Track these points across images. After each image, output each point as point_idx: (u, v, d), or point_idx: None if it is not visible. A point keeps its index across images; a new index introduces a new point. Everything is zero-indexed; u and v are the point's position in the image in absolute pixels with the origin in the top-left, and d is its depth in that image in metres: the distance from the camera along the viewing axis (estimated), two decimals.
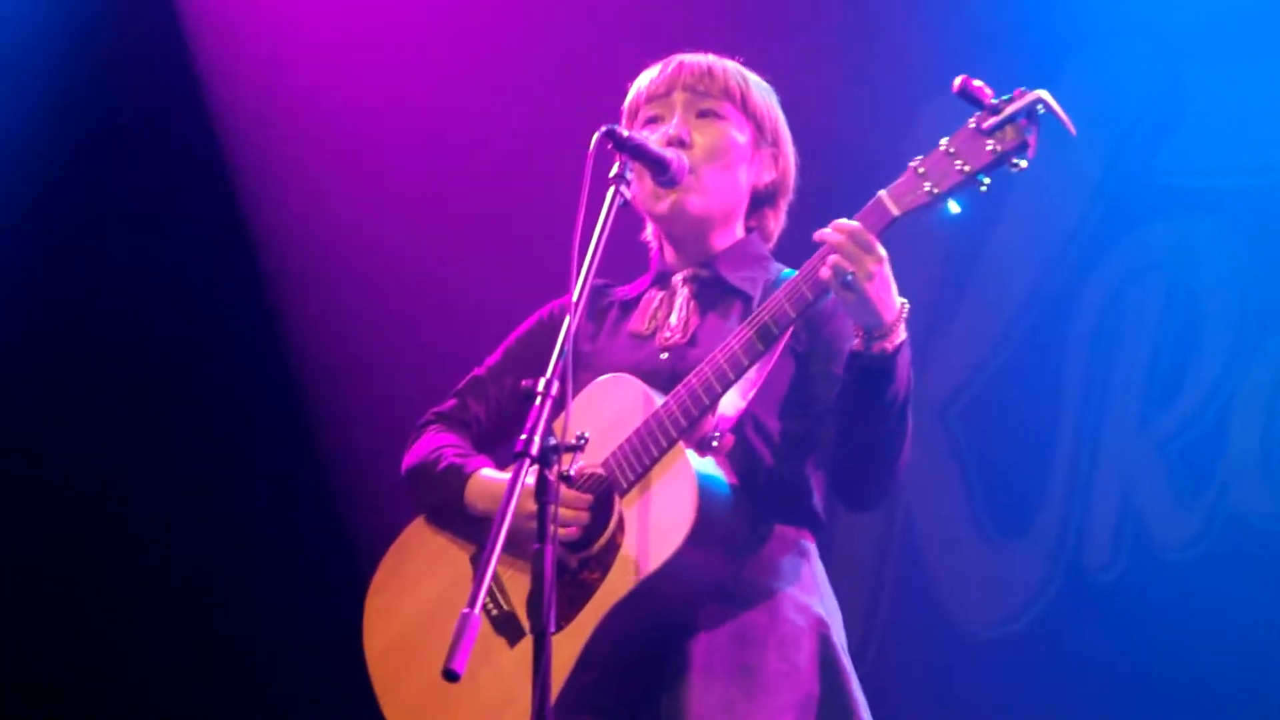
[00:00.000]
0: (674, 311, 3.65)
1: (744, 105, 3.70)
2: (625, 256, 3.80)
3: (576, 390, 3.52)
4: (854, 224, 3.22)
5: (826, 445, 3.48)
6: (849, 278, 3.19)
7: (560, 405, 3.04)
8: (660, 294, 3.72)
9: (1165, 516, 5.50)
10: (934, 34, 5.76)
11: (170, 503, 6.23)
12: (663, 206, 3.64)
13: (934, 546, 5.82)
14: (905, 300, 3.28)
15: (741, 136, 3.69)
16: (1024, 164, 3.15)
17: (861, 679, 3.51)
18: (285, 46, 6.38)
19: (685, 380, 3.38)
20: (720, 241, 3.70)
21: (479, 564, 2.88)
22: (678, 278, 3.70)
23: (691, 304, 3.65)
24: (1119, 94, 5.63)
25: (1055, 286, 5.72)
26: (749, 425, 3.49)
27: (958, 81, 3.16)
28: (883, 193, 3.24)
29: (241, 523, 6.21)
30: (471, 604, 2.81)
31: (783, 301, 3.31)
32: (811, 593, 3.49)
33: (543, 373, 3.06)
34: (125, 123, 6.22)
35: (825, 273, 3.22)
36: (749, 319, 3.35)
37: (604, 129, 3.34)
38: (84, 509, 6.18)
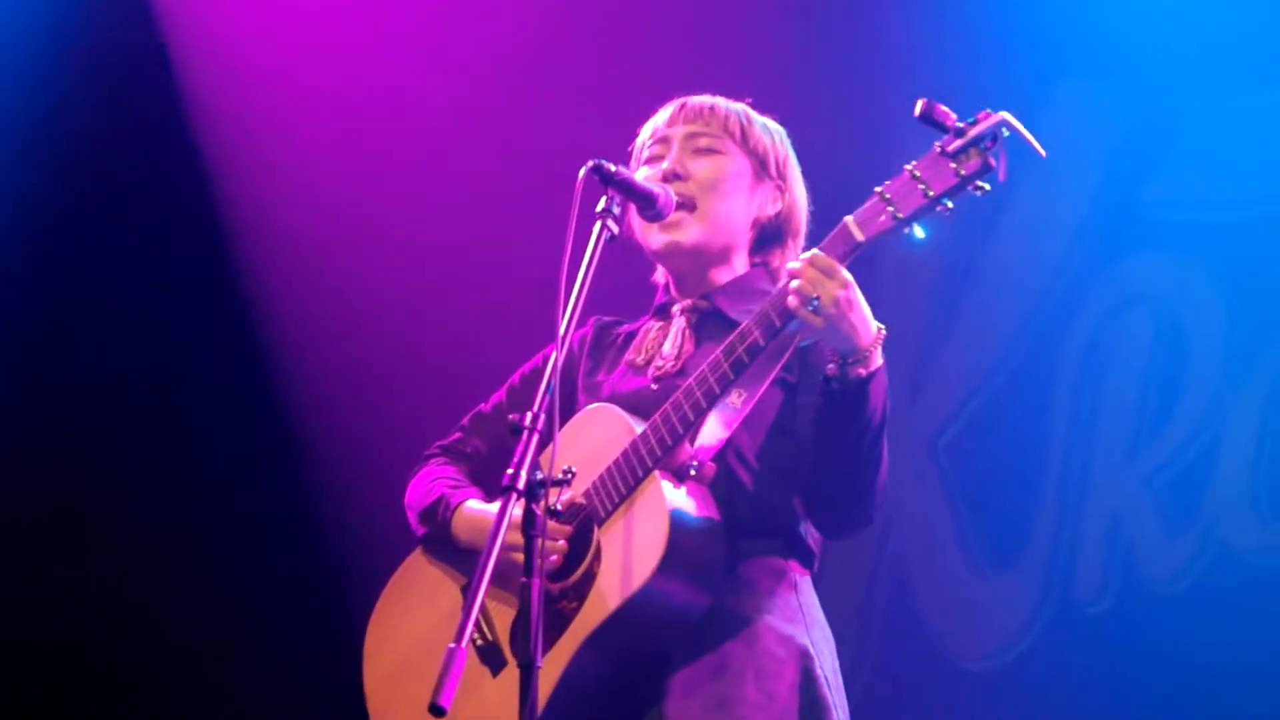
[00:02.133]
0: (669, 340, 3.67)
1: (744, 141, 3.72)
2: (631, 292, 3.83)
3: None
4: (815, 251, 3.24)
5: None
6: (814, 303, 3.20)
7: (547, 439, 3.05)
8: (658, 324, 3.74)
9: (1154, 549, 5.50)
10: (921, 64, 5.78)
11: (151, 514, 6.23)
12: (659, 244, 3.66)
13: (923, 579, 5.82)
14: (883, 325, 3.29)
15: (740, 170, 3.70)
16: (987, 186, 3.13)
17: (850, 711, 3.50)
18: (272, 54, 6.37)
19: (662, 409, 3.39)
20: (722, 275, 3.71)
21: (466, 597, 2.88)
22: (677, 308, 3.72)
23: (687, 333, 3.67)
24: (1106, 127, 5.65)
25: (1043, 319, 5.73)
26: (732, 454, 3.49)
27: (920, 105, 3.15)
28: (848, 218, 3.25)
29: (222, 529, 6.22)
30: (458, 638, 2.82)
31: (753, 328, 3.32)
32: (796, 623, 3.47)
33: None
34: (104, 126, 6.22)
35: (792, 300, 3.23)
36: (725, 346, 3.35)
37: (591, 163, 3.37)
38: (65, 517, 6.18)
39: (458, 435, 3.92)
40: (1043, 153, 3.09)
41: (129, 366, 6.26)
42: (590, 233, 3.34)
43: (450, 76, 6.26)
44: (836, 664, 3.55)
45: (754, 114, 3.78)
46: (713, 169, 3.67)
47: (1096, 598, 5.56)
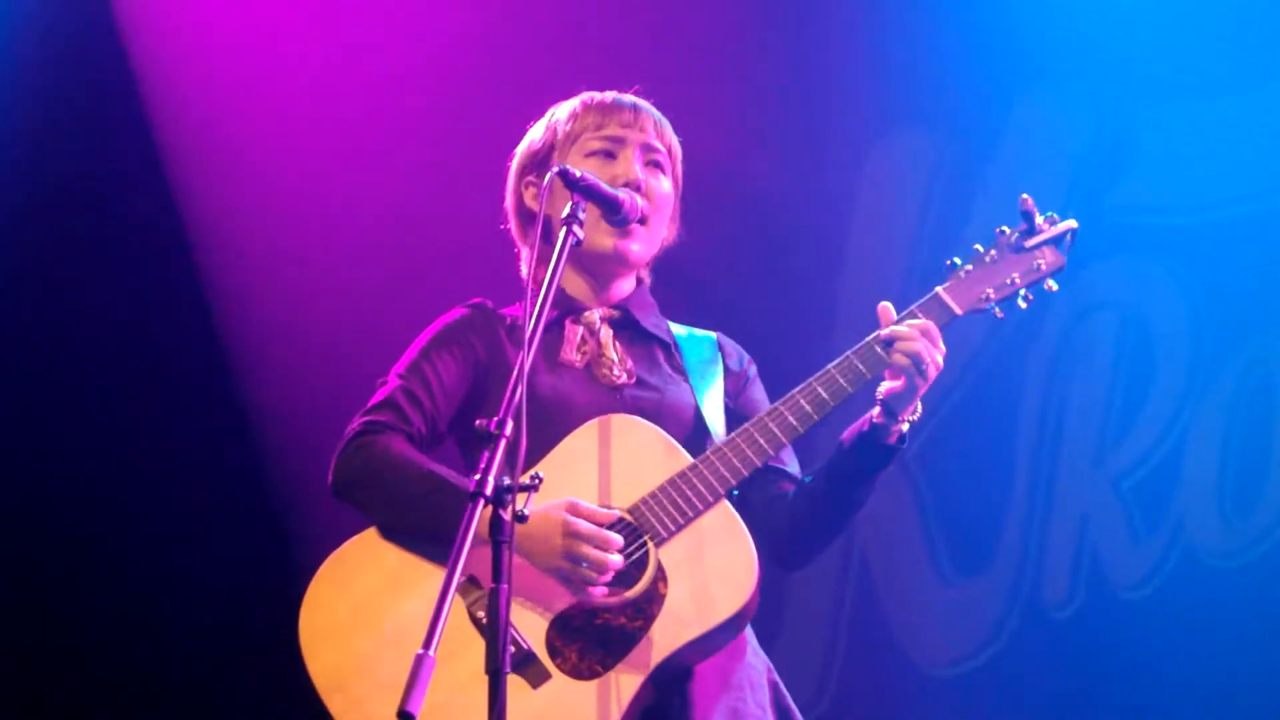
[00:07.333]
0: (605, 349, 3.70)
1: (675, 164, 3.79)
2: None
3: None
4: (928, 321, 3.48)
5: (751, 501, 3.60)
6: (922, 367, 3.43)
7: (516, 442, 3.00)
8: (579, 329, 3.74)
9: (1120, 554, 5.53)
10: (885, 73, 5.79)
11: (106, 512, 6.18)
12: (613, 248, 3.67)
13: (891, 586, 5.83)
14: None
15: (674, 193, 3.78)
16: (1055, 286, 3.57)
17: (820, 719, 3.54)
18: (224, 49, 6.34)
19: (731, 440, 3.49)
20: (627, 285, 3.80)
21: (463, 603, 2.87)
22: (594, 315, 3.74)
23: (617, 344, 3.72)
24: (1071, 134, 5.67)
25: (1010, 324, 5.72)
26: None
27: (1024, 198, 3.57)
28: (941, 291, 3.52)
29: (176, 530, 6.18)
30: (426, 645, 2.75)
31: (837, 378, 3.48)
32: (753, 638, 3.60)
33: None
34: (61, 124, 6.17)
35: (902, 360, 3.43)
36: (802, 388, 3.49)
37: (556, 169, 3.39)
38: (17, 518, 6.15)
39: (390, 416, 3.66)
40: (1063, 265, 3.60)
41: (84, 361, 6.21)
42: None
43: (408, 72, 6.24)
44: None
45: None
46: (665, 189, 3.74)
47: (1063, 603, 5.58)
